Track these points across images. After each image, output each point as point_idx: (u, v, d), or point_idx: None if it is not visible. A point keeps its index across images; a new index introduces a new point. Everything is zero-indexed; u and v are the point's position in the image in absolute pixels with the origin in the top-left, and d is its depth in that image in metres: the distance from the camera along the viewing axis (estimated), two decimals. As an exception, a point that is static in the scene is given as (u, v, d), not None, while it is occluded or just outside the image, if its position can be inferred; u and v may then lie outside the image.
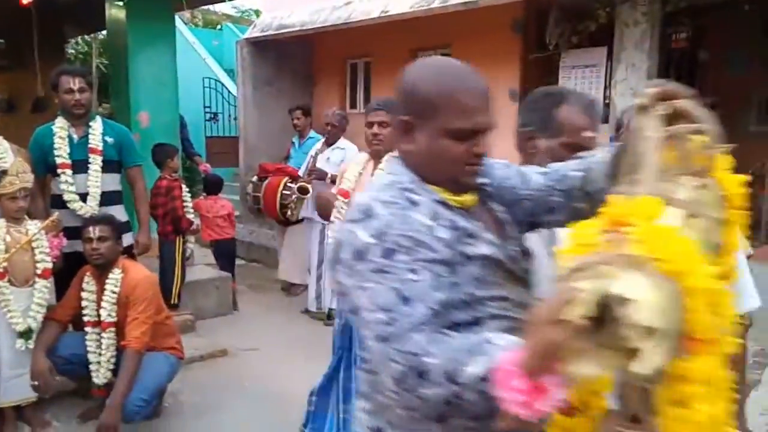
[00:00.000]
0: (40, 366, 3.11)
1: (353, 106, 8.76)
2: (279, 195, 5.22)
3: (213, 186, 5.74)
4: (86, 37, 14.29)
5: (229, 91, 11.78)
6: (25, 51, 7.20)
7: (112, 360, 3.22)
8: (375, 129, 3.00)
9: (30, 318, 3.16)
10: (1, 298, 3.11)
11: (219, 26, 15.38)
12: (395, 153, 1.39)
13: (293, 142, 6.36)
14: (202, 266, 5.48)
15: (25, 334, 3.15)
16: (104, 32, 10.33)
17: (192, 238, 4.81)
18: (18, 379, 3.17)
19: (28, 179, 3.21)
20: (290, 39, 8.59)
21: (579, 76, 6.12)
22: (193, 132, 7.57)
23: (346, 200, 3.05)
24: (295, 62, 9.05)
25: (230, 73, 12.20)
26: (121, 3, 5.20)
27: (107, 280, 3.20)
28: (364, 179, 3.03)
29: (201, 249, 5.88)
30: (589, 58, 6.04)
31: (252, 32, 8.98)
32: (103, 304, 3.19)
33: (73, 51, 13.90)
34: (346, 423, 2.94)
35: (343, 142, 5.13)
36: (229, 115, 11.70)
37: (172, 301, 4.52)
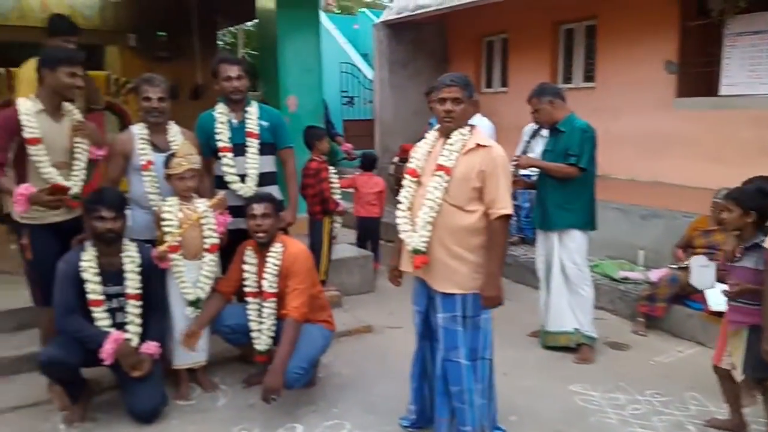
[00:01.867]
0: (195, 327, 3.41)
1: (489, 85, 8.59)
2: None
3: (369, 162, 5.97)
4: (231, 28, 15.24)
5: (364, 75, 12.04)
6: (184, 42, 7.83)
7: (273, 328, 3.41)
8: (448, 105, 2.83)
9: (199, 289, 3.43)
10: (175, 270, 3.39)
11: (355, 12, 15.69)
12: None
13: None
14: (346, 245, 5.67)
15: (195, 303, 3.42)
16: (250, 23, 10.99)
17: (339, 218, 4.98)
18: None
19: (195, 161, 3.45)
20: (425, 19, 8.58)
21: (747, 45, 5.50)
22: (332, 115, 7.84)
23: (414, 179, 2.92)
24: (430, 43, 9.04)
25: (365, 57, 12.46)
26: (271, -8, 5.46)
27: (268, 254, 3.39)
28: (433, 157, 2.88)
29: (343, 229, 6.08)
30: (762, 23, 5.38)
31: (388, 15, 9.06)
32: (265, 275, 3.38)
33: (220, 42, 14.88)
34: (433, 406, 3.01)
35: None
36: (364, 99, 11.98)
37: (320, 278, 4.73)
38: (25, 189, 3.08)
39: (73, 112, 3.41)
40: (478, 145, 2.80)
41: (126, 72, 6.52)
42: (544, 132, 4.51)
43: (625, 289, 4.93)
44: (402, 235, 2.91)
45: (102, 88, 6.06)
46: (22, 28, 6.87)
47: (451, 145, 2.82)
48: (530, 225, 6.18)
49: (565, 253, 4.07)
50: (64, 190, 3.20)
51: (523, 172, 4.33)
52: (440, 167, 2.79)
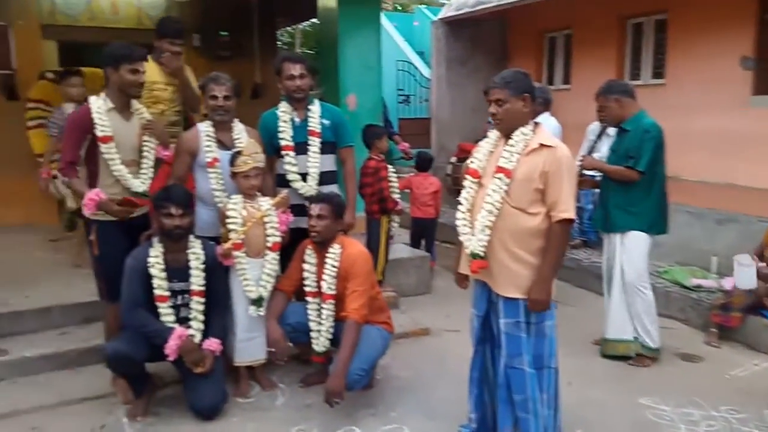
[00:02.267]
0: (275, 335, 3.39)
1: (550, 82, 8.37)
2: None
3: (424, 162, 5.90)
4: (289, 28, 15.43)
5: (420, 73, 11.95)
6: (244, 42, 7.93)
7: (331, 330, 3.40)
8: (492, 108, 2.78)
9: (261, 287, 3.43)
10: (238, 267, 3.41)
11: (411, 10, 15.63)
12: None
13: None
14: (401, 245, 5.62)
15: (257, 302, 3.42)
16: (307, 22, 11.07)
17: (397, 218, 4.93)
18: (250, 342, 3.49)
19: (260, 159, 3.45)
20: (485, 16, 8.43)
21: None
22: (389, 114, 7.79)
23: (475, 180, 2.83)
24: (489, 40, 8.88)
25: (421, 55, 12.37)
26: (333, -10, 5.45)
27: (327, 255, 3.37)
28: (495, 158, 2.79)
29: (399, 229, 6.05)
30: None
31: (447, 12, 8.96)
32: (324, 277, 3.36)
33: (279, 42, 15.08)
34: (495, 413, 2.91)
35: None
36: (420, 97, 11.89)
37: (377, 278, 4.69)
38: (95, 194, 3.17)
39: (142, 110, 3.47)
40: (542, 145, 2.70)
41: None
42: (611, 131, 4.34)
43: (698, 297, 4.69)
44: (461, 238, 2.85)
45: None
46: (92, 28, 7.10)
47: (512, 146, 2.73)
48: (593, 227, 5.98)
49: (626, 256, 3.90)
50: (133, 204, 3.28)
51: (589, 171, 4.17)
52: (500, 169, 2.71)
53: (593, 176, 4.22)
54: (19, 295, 4.20)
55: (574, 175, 2.79)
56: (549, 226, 2.70)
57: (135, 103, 3.44)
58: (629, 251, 3.88)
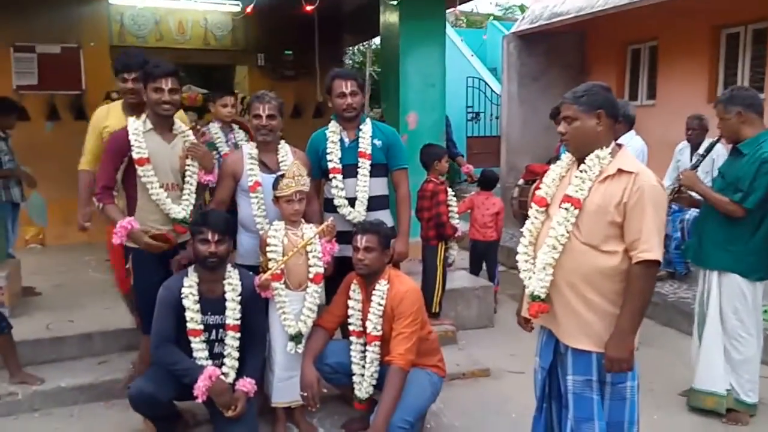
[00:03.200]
0: (309, 378, 3.08)
1: (633, 97, 7.77)
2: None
3: (488, 182, 5.47)
4: (360, 47, 15.43)
5: (491, 90, 11.60)
6: (308, 61, 7.84)
7: (375, 375, 3.08)
8: (561, 127, 2.41)
9: (301, 322, 3.15)
10: (278, 300, 3.14)
11: (484, 25, 15.34)
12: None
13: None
14: (461, 272, 5.23)
15: (296, 338, 3.14)
16: (377, 40, 10.97)
17: (455, 245, 4.56)
18: (289, 381, 3.20)
19: (304, 182, 3.20)
20: (561, 29, 7.97)
21: None
22: (455, 132, 7.47)
23: (542, 209, 2.43)
24: (565, 54, 8.41)
25: (493, 71, 12.01)
26: (395, 3, 5.20)
27: (374, 292, 3.07)
28: (565, 184, 2.40)
29: (460, 252, 5.68)
30: None
31: (520, 25, 8.56)
32: (369, 316, 3.06)
33: (350, 61, 15.10)
34: None
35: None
36: (491, 114, 11.53)
37: (433, 309, 4.34)
38: (127, 223, 3.02)
39: (187, 133, 3.30)
40: (621, 171, 2.27)
41: (254, 90, 6.67)
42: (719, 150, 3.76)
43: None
44: (521, 275, 2.46)
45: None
46: (160, 49, 7.21)
47: (584, 171, 2.32)
48: (681, 257, 5.37)
49: (726, 298, 3.35)
50: (167, 240, 3.11)
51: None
52: (568, 198, 2.31)
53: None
54: (64, 319, 4.13)
55: (663, 207, 2.31)
56: (629, 268, 2.26)
57: (179, 125, 3.28)
58: (729, 293, 3.33)
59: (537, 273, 2.35)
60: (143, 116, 3.18)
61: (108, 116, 3.55)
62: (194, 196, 3.26)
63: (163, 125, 3.20)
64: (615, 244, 2.26)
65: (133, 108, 3.42)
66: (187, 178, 3.25)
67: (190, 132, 3.35)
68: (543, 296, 2.34)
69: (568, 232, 2.29)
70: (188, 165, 3.24)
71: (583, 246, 2.28)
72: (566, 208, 2.30)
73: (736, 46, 6.40)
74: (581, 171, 2.33)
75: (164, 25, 7.41)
